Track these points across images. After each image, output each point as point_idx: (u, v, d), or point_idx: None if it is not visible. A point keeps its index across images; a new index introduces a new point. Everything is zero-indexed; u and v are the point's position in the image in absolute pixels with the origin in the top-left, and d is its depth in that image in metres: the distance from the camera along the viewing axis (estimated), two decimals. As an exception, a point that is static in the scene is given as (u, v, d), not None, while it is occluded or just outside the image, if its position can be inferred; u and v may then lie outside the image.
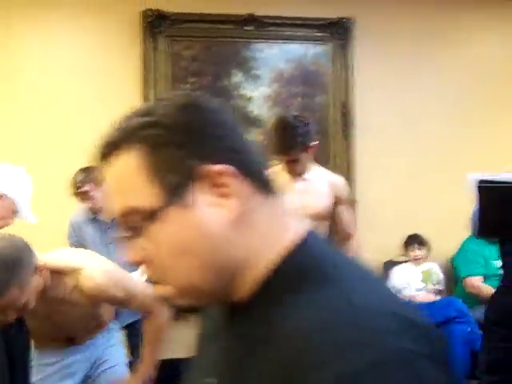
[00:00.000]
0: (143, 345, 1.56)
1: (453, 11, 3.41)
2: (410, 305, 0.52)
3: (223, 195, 0.52)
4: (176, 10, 3.02)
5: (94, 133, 2.63)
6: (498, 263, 3.02)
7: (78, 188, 2.39)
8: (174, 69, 3.09)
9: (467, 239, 3.14)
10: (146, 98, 3.04)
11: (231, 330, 0.56)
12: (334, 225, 2.23)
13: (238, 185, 0.53)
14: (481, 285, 2.95)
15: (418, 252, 3.11)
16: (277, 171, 2.13)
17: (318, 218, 2.06)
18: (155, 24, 3.02)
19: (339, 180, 2.23)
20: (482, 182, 1.77)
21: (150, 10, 2.99)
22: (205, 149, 0.53)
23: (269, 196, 0.56)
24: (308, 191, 2.08)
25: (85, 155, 2.78)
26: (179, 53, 3.10)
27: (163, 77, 3.07)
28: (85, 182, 2.40)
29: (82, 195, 2.41)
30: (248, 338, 0.52)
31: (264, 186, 0.56)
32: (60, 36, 3.02)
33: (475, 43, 3.48)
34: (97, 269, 1.39)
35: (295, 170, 2.06)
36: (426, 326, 0.49)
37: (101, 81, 3.04)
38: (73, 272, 1.37)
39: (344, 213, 2.17)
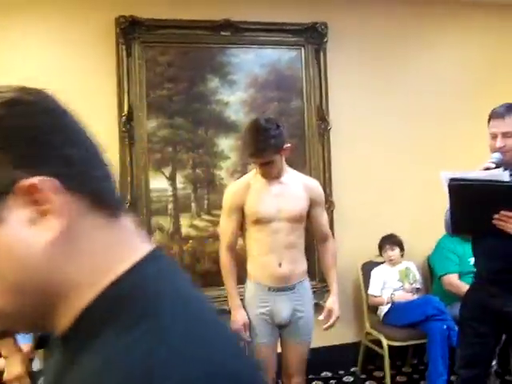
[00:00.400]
0: None
1: (426, 15, 3.49)
2: (242, 355, 0.47)
3: (42, 212, 0.45)
4: (150, 16, 3.01)
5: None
6: (472, 260, 3.11)
7: None
8: (149, 75, 3.08)
9: (442, 238, 3.22)
10: (120, 104, 3.03)
11: (58, 358, 0.51)
12: (310, 227, 2.25)
13: (62, 202, 0.46)
14: (458, 282, 3.01)
15: (390, 253, 3.16)
16: (252, 175, 2.16)
17: (294, 220, 2.09)
18: (129, 30, 3.00)
19: (314, 183, 2.27)
20: (452, 180, 1.81)
21: (124, 16, 2.97)
22: (29, 157, 0.46)
23: (111, 217, 0.50)
24: (284, 194, 2.10)
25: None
26: (154, 59, 3.09)
27: (138, 83, 3.05)
28: None
29: None
30: (61, 373, 0.47)
31: (105, 205, 0.50)
32: (32, 42, 2.97)
33: (448, 46, 3.57)
34: None
35: (270, 173, 2.08)
36: (248, 379, 0.43)
37: (75, 88, 2.99)
38: None
39: (320, 215, 2.20)
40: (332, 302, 2.18)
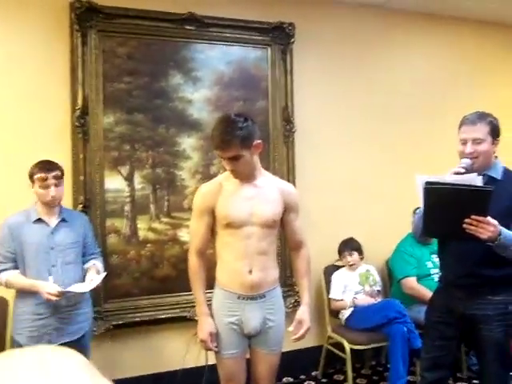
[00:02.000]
0: None
1: (391, 19, 3.56)
2: None
3: None
4: (110, 4, 2.81)
5: (20, 133, 2.38)
6: (429, 264, 3.20)
7: (51, 170, 2.22)
8: (107, 66, 2.87)
9: (401, 241, 3.29)
10: (74, 95, 2.79)
11: None
12: (284, 233, 2.17)
13: None
14: (418, 286, 3.08)
15: (349, 258, 3.18)
16: (225, 176, 2.04)
17: (266, 226, 1.99)
18: (85, 17, 2.77)
19: (290, 187, 2.17)
20: (428, 183, 1.83)
21: (80, 1, 2.74)
22: None
23: None
24: (257, 198, 1.99)
25: (13, 156, 2.51)
26: (112, 50, 2.88)
27: (94, 75, 2.83)
28: (56, 167, 2.26)
29: (56, 179, 2.24)
30: None
31: None
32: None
33: (413, 47, 3.67)
34: None
35: (239, 172, 1.94)
36: None
37: (25, 77, 2.73)
38: None
39: (294, 221, 2.12)
40: (302, 312, 2.09)
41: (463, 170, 1.92)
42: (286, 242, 2.27)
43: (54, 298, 2.13)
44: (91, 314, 2.47)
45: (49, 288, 2.14)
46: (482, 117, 2.00)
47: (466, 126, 2.00)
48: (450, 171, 1.93)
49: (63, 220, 2.31)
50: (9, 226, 2.24)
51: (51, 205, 2.27)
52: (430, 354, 2.15)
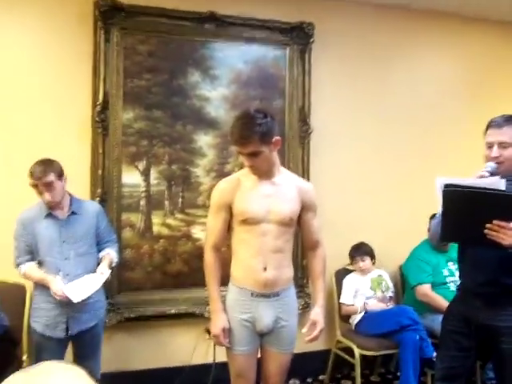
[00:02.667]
0: None
1: (414, 16, 3.50)
2: None
3: None
4: (132, 2, 2.87)
5: (43, 126, 2.43)
6: (446, 272, 3.12)
7: (41, 178, 2.21)
8: (127, 63, 2.93)
9: (417, 247, 3.22)
10: (96, 91, 2.86)
11: None
12: (300, 233, 2.16)
13: None
14: (432, 293, 3.01)
15: (361, 264, 3.14)
16: (244, 173, 2.05)
17: (283, 224, 1.98)
18: (109, 15, 2.85)
19: (308, 186, 2.14)
20: (447, 186, 1.77)
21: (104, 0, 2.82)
22: None
23: None
24: (275, 195, 1.98)
25: (35, 148, 2.57)
26: (133, 47, 2.94)
27: (115, 71, 2.90)
28: (48, 172, 2.23)
29: (45, 186, 2.23)
30: None
31: None
32: (8, 24, 2.77)
33: (436, 48, 3.59)
34: None
35: (258, 168, 1.94)
36: None
37: (49, 72, 2.82)
38: None
39: (311, 220, 2.10)
40: (316, 313, 2.07)
41: (488, 174, 1.84)
42: (301, 241, 2.23)
43: (57, 298, 2.20)
44: (105, 303, 2.54)
45: (55, 287, 2.21)
46: (509, 120, 1.92)
47: (492, 130, 1.93)
48: (475, 175, 1.86)
49: (73, 213, 2.35)
50: (22, 222, 2.31)
51: (49, 206, 2.30)
52: (445, 365, 2.08)
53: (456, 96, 3.61)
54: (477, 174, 1.85)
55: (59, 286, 2.21)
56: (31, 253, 2.32)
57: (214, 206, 2.04)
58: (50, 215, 2.31)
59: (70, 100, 2.85)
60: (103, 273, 2.33)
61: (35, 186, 2.23)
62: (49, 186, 2.24)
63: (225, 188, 2.03)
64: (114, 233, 2.64)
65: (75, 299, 2.21)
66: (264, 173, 1.98)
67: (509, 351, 1.89)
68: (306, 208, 2.06)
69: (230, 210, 2.00)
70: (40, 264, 2.31)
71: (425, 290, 3.03)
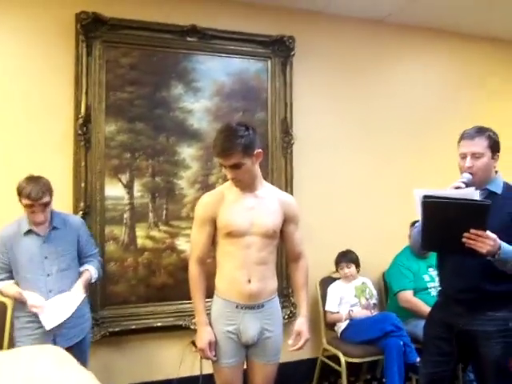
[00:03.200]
0: None
1: (391, 30, 3.60)
2: None
3: None
4: (114, 15, 2.88)
5: (24, 139, 2.43)
6: (427, 277, 3.19)
7: (39, 199, 2.17)
8: (110, 76, 2.93)
9: (398, 254, 3.29)
10: (78, 104, 2.85)
11: None
12: (284, 244, 2.19)
13: None
14: (414, 299, 3.07)
15: (347, 270, 3.18)
16: (227, 186, 2.07)
17: (266, 236, 2.01)
18: (91, 28, 2.85)
19: (290, 199, 2.18)
20: (426, 197, 1.83)
21: (86, 12, 2.82)
22: None
23: None
24: (258, 208, 2.01)
25: (16, 162, 2.55)
26: (116, 60, 2.94)
27: (97, 84, 2.89)
28: (45, 192, 2.20)
29: (41, 206, 2.19)
30: None
31: None
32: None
33: (411, 61, 3.70)
34: None
35: (241, 180, 1.97)
36: None
37: (30, 84, 2.80)
38: None
39: (294, 232, 2.13)
40: (301, 323, 2.09)
41: (463, 185, 1.91)
42: (285, 252, 2.26)
43: (34, 310, 2.15)
44: (90, 316, 2.50)
45: (32, 300, 2.17)
46: (480, 131, 2.00)
47: (465, 141, 2.01)
48: (451, 186, 1.93)
49: (54, 228, 2.31)
50: (1, 239, 2.27)
51: (35, 224, 2.26)
52: (429, 370, 2.13)
53: (432, 106, 3.72)
54: (453, 185, 1.92)
55: (36, 299, 2.17)
56: (9, 271, 2.28)
57: (198, 219, 2.05)
58: (30, 231, 2.27)
59: (52, 113, 2.83)
60: (77, 295, 2.28)
61: (30, 206, 2.19)
62: (44, 207, 2.21)
63: (208, 202, 2.04)
64: (96, 247, 2.61)
65: (48, 326, 2.17)
66: (247, 185, 2.01)
67: (486, 354, 1.95)
68: (288, 220, 2.09)
69: (214, 223, 2.01)
70: (18, 284, 2.26)
71: (407, 296, 3.09)
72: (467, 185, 1.91)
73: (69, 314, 2.21)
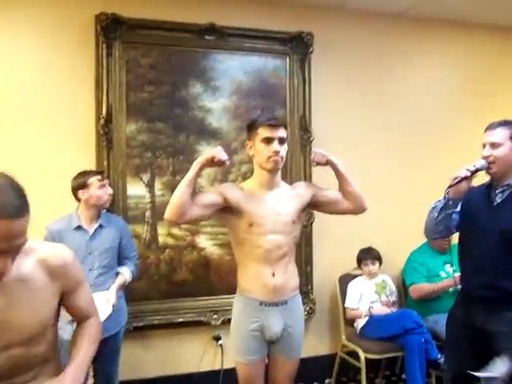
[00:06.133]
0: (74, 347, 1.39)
1: (411, 24, 3.55)
2: None
3: None
4: (133, 16, 2.91)
5: (48, 139, 2.48)
6: (443, 274, 3.16)
7: (102, 180, 2.46)
8: (130, 76, 2.96)
9: (414, 250, 3.28)
10: (99, 104, 2.90)
11: None
12: (334, 205, 2.17)
13: None
14: (419, 285, 3.08)
15: (371, 267, 3.18)
16: (247, 184, 2.10)
17: (287, 232, 2.03)
18: (110, 29, 2.88)
19: (298, 183, 2.26)
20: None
21: (105, 13, 2.85)
22: None
23: None
24: (281, 199, 2.05)
25: (41, 162, 2.60)
26: (136, 60, 2.97)
27: (118, 84, 2.93)
28: (101, 174, 2.52)
29: (103, 187, 2.45)
30: None
31: None
32: (9, 37, 2.80)
33: (432, 58, 3.64)
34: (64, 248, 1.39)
35: (282, 156, 1.99)
36: None
37: (52, 86, 2.85)
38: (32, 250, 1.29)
39: (327, 190, 2.18)
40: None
41: (473, 168, 1.95)
42: (346, 200, 2.23)
43: None
44: (126, 309, 2.58)
45: None
46: (503, 122, 2.02)
47: (487, 132, 2.05)
48: (463, 167, 1.97)
49: (101, 226, 2.44)
50: (51, 233, 2.38)
51: (104, 206, 2.46)
52: (451, 367, 2.14)
53: (455, 103, 3.66)
54: (464, 167, 1.96)
55: None
56: None
57: (216, 188, 2.16)
58: (79, 228, 2.41)
59: (74, 113, 2.88)
60: (110, 300, 2.36)
61: (101, 180, 2.45)
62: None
63: (231, 186, 2.13)
64: (135, 250, 2.66)
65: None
66: (278, 170, 2.05)
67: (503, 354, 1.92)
68: (316, 195, 2.14)
69: (224, 202, 1.98)
70: None
71: (415, 287, 3.09)
72: (478, 170, 1.96)
73: (104, 316, 2.26)
